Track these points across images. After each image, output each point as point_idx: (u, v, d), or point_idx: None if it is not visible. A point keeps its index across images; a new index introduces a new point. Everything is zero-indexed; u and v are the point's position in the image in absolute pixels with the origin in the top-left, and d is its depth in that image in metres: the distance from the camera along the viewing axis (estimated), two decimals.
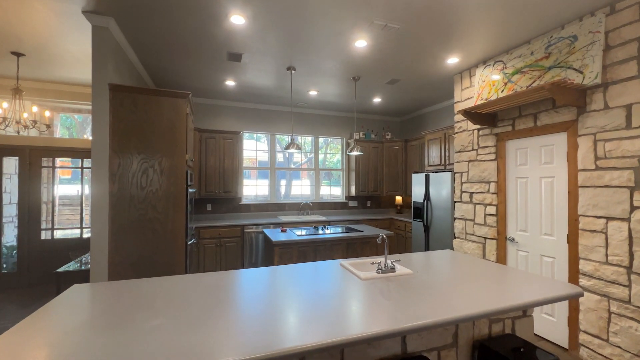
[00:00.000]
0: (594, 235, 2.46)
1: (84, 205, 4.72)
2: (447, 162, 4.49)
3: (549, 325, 2.85)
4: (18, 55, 3.42)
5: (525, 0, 2.35)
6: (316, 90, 4.63)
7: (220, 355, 1.02)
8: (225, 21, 2.67)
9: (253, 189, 5.59)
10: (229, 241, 4.66)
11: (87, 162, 4.68)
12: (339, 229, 4.19)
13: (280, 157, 5.82)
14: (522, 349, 1.57)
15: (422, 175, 4.65)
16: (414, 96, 4.94)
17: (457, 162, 3.85)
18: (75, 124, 5.11)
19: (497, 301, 1.48)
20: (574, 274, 2.62)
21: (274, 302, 1.47)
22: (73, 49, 3.29)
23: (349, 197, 6.10)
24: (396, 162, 5.82)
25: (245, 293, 1.60)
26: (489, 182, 3.42)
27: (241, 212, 5.34)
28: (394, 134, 6.46)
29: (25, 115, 3.72)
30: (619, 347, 2.29)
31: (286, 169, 5.86)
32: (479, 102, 3.42)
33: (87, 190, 4.70)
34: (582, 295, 1.64)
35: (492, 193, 3.38)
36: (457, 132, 3.87)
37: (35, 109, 3.82)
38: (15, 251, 4.35)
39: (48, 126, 3.86)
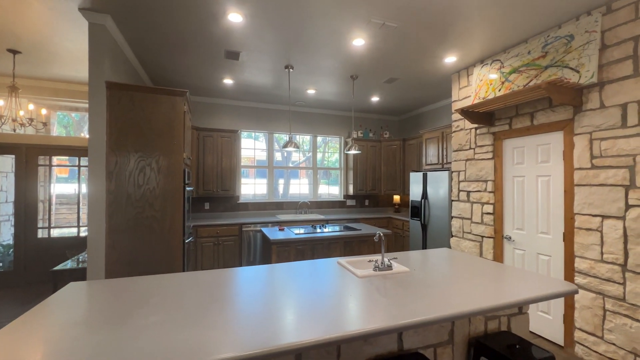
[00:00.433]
0: (590, 234, 2.48)
1: (81, 204, 4.70)
2: (445, 161, 4.50)
3: (545, 323, 2.87)
4: (14, 52, 3.40)
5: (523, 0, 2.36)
6: (314, 88, 4.62)
7: (217, 351, 1.02)
8: (223, 19, 2.66)
9: (251, 187, 5.59)
10: (226, 240, 4.65)
11: (84, 161, 4.66)
12: (336, 228, 4.20)
13: (278, 156, 5.81)
14: (517, 346, 1.58)
15: (420, 174, 4.66)
16: (412, 95, 4.95)
17: (455, 161, 3.86)
18: (72, 122, 5.08)
19: (493, 298, 1.50)
20: (569, 272, 2.64)
21: (271, 300, 1.48)
22: (70, 47, 3.28)
23: (347, 196, 6.11)
24: (394, 161, 5.83)
25: (242, 291, 1.60)
26: (486, 181, 3.44)
27: (239, 211, 5.34)
28: (392, 133, 6.46)
29: (21, 113, 3.70)
30: (614, 344, 2.31)
31: (284, 168, 5.85)
32: (476, 101, 3.43)
33: (84, 188, 4.68)
34: (577, 292, 1.66)
35: (489, 192, 3.39)
36: (454, 131, 3.88)
37: (31, 106, 3.81)
38: (11, 250, 4.34)
39: (44, 124, 3.85)
